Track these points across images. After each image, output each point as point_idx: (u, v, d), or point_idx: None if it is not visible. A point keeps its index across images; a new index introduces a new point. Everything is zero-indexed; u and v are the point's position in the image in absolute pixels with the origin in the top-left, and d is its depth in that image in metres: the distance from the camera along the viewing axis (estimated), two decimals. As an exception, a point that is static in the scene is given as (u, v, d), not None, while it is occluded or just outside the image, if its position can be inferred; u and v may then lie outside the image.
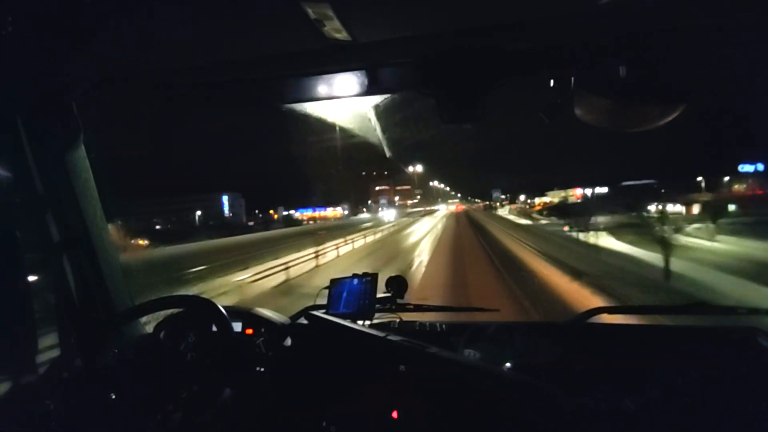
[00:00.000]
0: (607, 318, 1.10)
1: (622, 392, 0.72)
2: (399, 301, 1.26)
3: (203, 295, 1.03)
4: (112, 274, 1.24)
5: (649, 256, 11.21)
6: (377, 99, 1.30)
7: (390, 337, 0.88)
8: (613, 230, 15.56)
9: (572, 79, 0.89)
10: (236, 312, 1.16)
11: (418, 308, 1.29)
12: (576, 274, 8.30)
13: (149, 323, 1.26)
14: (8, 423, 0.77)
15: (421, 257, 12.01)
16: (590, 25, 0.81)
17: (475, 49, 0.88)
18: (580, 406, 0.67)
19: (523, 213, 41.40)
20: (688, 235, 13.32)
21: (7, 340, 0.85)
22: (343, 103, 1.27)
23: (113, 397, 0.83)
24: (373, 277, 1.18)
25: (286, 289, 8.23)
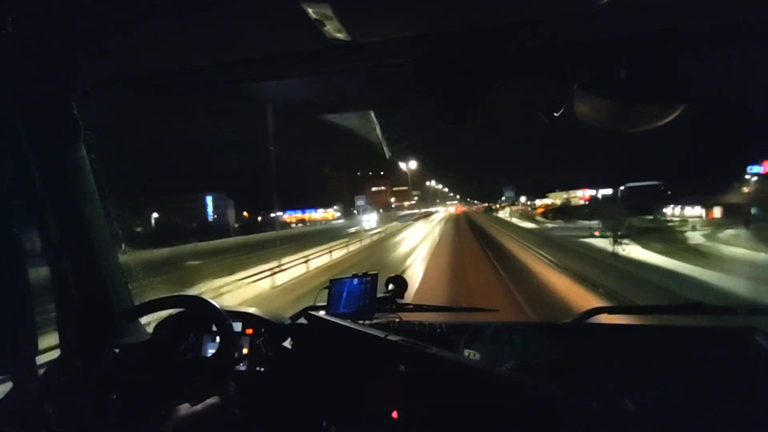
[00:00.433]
0: (607, 318, 1.10)
1: (622, 392, 0.72)
2: (399, 301, 1.26)
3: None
4: (112, 274, 1.24)
5: (711, 276, 8.15)
6: (377, 99, 1.30)
7: (390, 337, 0.88)
8: (636, 237, 13.22)
9: (572, 79, 0.89)
10: (236, 312, 1.16)
11: (418, 308, 1.29)
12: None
13: (149, 323, 1.26)
14: (8, 423, 0.77)
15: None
16: (590, 25, 0.81)
17: (475, 49, 0.88)
18: (580, 406, 0.67)
19: (526, 215, 39.32)
20: (728, 243, 11.77)
21: (7, 340, 0.85)
22: (343, 103, 1.27)
23: (113, 397, 0.83)
24: (373, 277, 1.18)
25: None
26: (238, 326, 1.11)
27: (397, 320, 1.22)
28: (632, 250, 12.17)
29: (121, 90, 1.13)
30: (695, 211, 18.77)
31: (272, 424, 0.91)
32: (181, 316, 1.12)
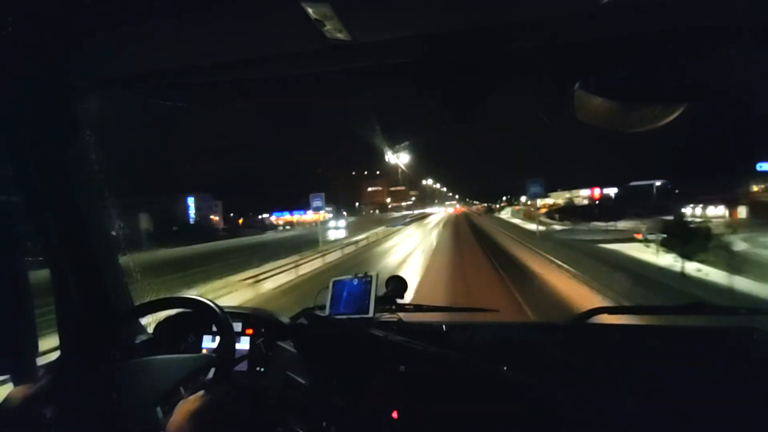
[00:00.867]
0: (607, 318, 1.10)
1: (622, 392, 0.72)
2: (399, 301, 1.26)
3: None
4: (112, 274, 1.24)
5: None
6: (377, 99, 1.30)
7: (390, 337, 0.88)
8: (665, 242, 10.31)
9: (572, 79, 0.89)
10: (236, 312, 1.16)
11: (418, 308, 1.29)
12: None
13: (149, 323, 1.26)
14: (8, 423, 0.77)
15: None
16: (590, 25, 0.81)
17: (475, 49, 0.88)
18: (579, 406, 0.67)
19: (528, 216, 34.87)
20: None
21: (7, 340, 0.85)
22: (342, 102, 1.27)
23: (114, 397, 0.83)
24: (373, 277, 1.18)
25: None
26: (238, 326, 1.11)
27: (397, 320, 1.22)
28: (687, 266, 8.66)
29: (126, 92, 1.13)
30: (718, 211, 16.70)
31: (272, 423, 0.91)
32: (181, 316, 1.12)
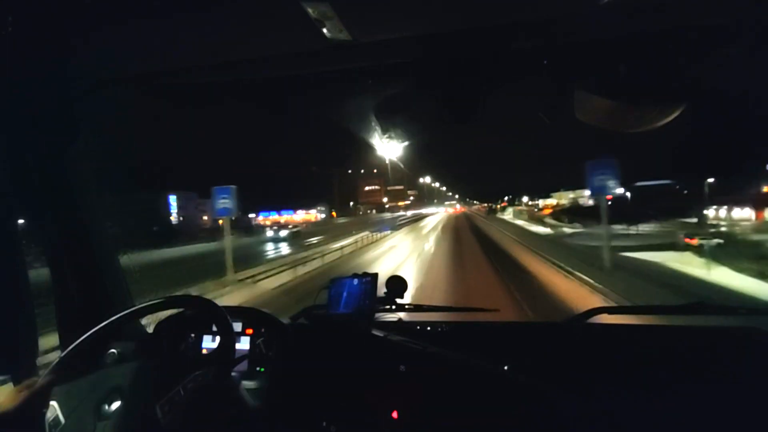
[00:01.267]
0: (607, 318, 1.09)
1: (622, 392, 0.72)
2: (399, 301, 1.26)
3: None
4: (112, 274, 1.24)
5: None
6: (377, 98, 1.30)
7: (390, 337, 0.88)
8: (716, 252, 8.63)
9: (572, 79, 0.89)
10: (236, 312, 1.15)
11: (418, 308, 1.29)
12: None
13: (149, 323, 1.26)
14: (8, 423, 0.77)
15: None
16: (590, 25, 0.81)
17: (475, 49, 0.88)
18: (579, 406, 0.67)
19: (533, 217, 32.04)
20: None
21: (7, 340, 0.85)
22: (341, 102, 1.27)
23: (114, 397, 0.83)
24: (373, 277, 1.18)
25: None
26: (238, 326, 1.11)
27: (397, 320, 1.21)
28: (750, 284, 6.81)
29: (127, 92, 1.13)
30: (744, 213, 15.31)
31: (272, 424, 0.91)
32: (181, 316, 1.12)
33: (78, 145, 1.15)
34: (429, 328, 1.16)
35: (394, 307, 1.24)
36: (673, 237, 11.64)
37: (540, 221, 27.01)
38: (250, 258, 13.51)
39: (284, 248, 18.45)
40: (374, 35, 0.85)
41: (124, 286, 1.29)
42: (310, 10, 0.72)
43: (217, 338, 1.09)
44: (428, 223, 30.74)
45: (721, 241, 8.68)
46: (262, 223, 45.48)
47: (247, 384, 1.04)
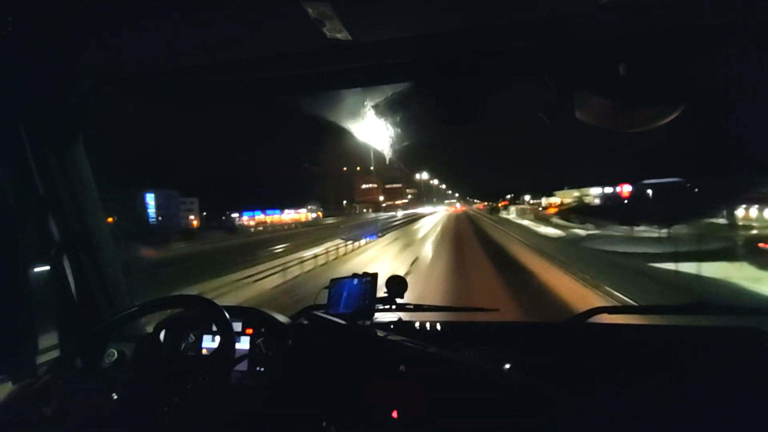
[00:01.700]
0: (607, 318, 1.09)
1: (622, 392, 0.72)
2: (399, 301, 1.25)
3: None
4: (112, 274, 1.24)
5: None
6: (377, 98, 1.30)
7: (390, 337, 0.88)
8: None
9: (572, 79, 0.89)
10: (236, 312, 1.15)
11: (418, 308, 1.28)
12: None
13: (149, 323, 1.26)
14: (8, 424, 0.77)
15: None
16: (590, 25, 0.81)
17: (475, 49, 0.88)
18: (579, 406, 0.67)
19: (538, 217, 27.35)
20: None
21: (7, 340, 0.85)
22: (341, 102, 1.27)
23: (114, 397, 0.83)
24: (373, 277, 1.18)
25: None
26: (238, 326, 1.11)
27: (397, 320, 1.22)
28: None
29: (127, 92, 1.13)
30: None
31: (272, 424, 0.91)
32: (181, 315, 1.12)
33: (78, 145, 1.16)
34: (429, 328, 1.16)
35: (394, 307, 1.24)
36: (715, 242, 9.08)
37: (547, 221, 23.59)
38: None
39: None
40: (374, 35, 0.85)
41: (124, 286, 1.29)
42: (310, 10, 0.72)
43: (217, 338, 1.09)
44: (425, 225, 26.19)
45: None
46: (246, 223, 42.18)
47: (247, 384, 1.04)
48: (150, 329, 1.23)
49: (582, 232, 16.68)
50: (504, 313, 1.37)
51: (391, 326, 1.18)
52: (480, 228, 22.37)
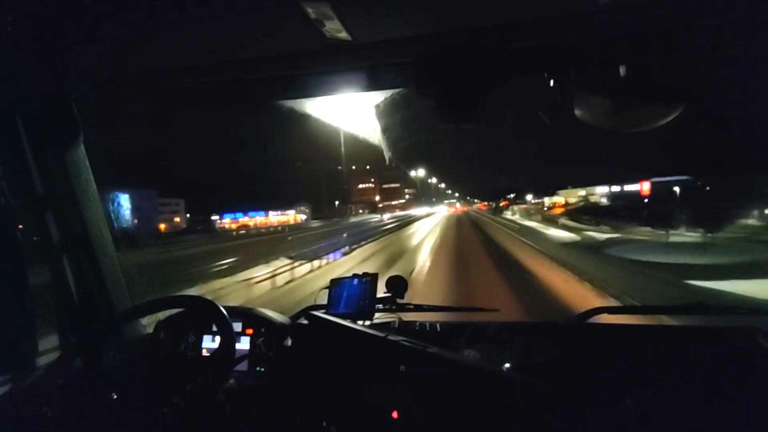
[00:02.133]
0: (607, 318, 1.09)
1: (622, 392, 0.72)
2: (399, 301, 1.26)
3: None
4: (112, 274, 1.24)
5: None
6: (377, 98, 1.30)
7: (390, 337, 0.88)
8: None
9: (572, 78, 0.89)
10: (236, 312, 1.15)
11: (418, 308, 1.29)
12: None
13: (149, 323, 1.26)
14: (8, 424, 0.77)
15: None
16: (590, 25, 0.81)
17: (475, 49, 0.88)
18: (579, 406, 0.67)
19: (547, 219, 24.35)
20: None
21: (7, 340, 0.85)
22: (340, 102, 1.27)
23: (114, 397, 0.83)
24: (373, 277, 1.18)
25: None
26: (238, 326, 1.11)
27: (397, 320, 1.22)
28: None
29: (127, 92, 1.13)
30: None
31: (272, 424, 0.91)
32: (181, 315, 1.12)
33: (78, 145, 1.16)
34: (429, 328, 1.16)
35: (394, 307, 1.24)
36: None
37: (554, 222, 21.36)
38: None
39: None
40: (374, 35, 0.85)
41: (123, 286, 1.29)
42: (310, 10, 0.72)
43: (217, 338, 1.09)
44: (420, 229, 22.61)
45: None
46: (227, 226, 39.54)
47: (247, 384, 1.04)
48: (150, 329, 1.23)
49: (597, 236, 14.63)
50: (504, 313, 1.37)
51: (391, 326, 1.18)
52: (488, 236, 17.35)
